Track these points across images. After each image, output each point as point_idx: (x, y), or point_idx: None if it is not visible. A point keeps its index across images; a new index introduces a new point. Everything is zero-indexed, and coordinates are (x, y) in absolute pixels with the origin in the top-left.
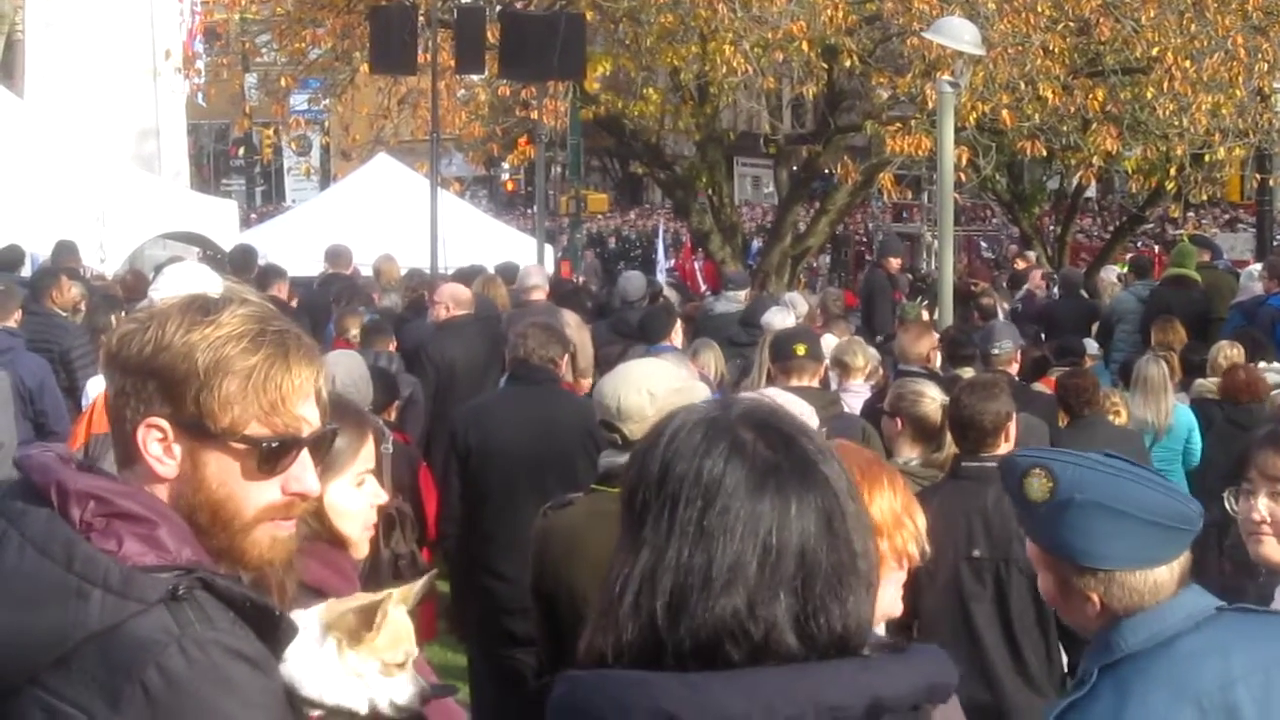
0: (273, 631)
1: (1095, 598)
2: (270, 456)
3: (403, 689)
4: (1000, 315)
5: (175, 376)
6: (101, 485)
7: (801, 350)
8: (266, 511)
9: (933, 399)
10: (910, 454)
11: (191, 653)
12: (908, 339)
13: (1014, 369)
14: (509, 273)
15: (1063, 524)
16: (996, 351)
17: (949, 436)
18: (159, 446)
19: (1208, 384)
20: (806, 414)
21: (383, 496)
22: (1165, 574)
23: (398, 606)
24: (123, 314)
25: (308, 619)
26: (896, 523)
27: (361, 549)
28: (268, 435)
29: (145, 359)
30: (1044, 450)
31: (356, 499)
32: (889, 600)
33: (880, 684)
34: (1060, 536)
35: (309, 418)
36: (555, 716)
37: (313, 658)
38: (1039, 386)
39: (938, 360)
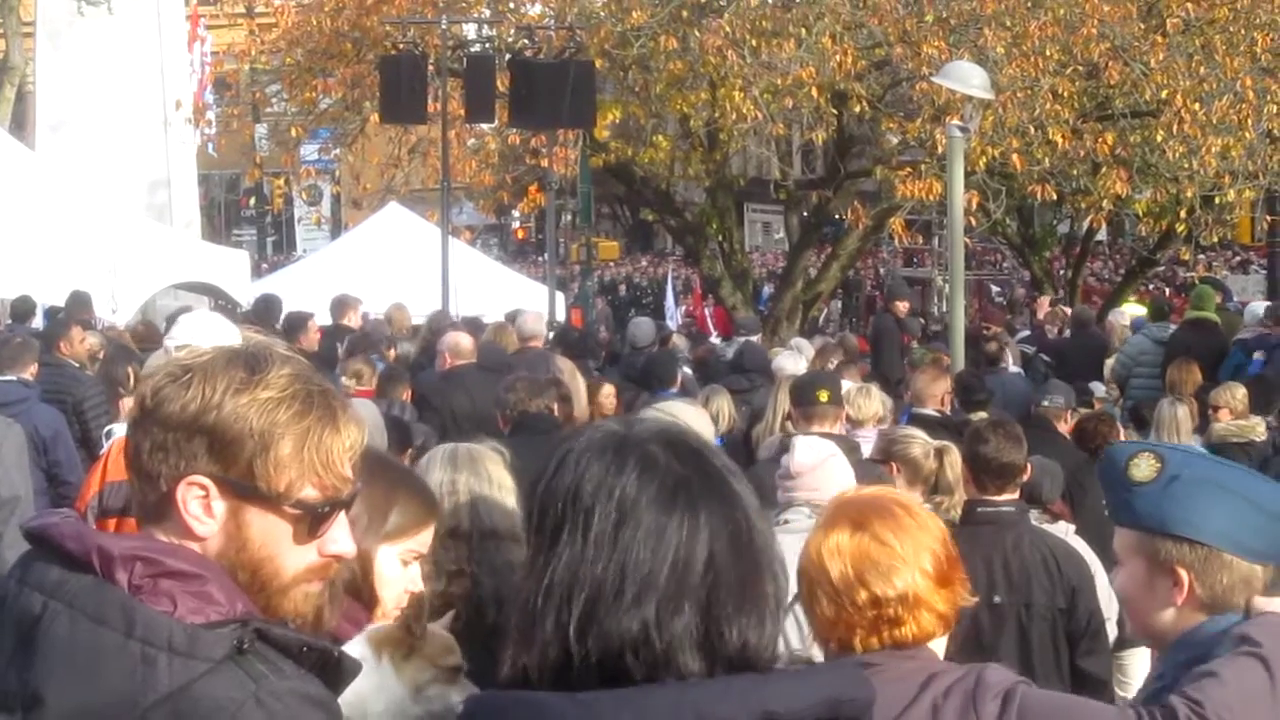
0: (335, 672)
1: (1186, 580)
2: (319, 520)
3: (465, 690)
4: (1009, 360)
5: (226, 438)
6: (144, 546)
7: (825, 397)
8: (306, 574)
9: (922, 443)
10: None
11: (270, 705)
12: (923, 381)
13: (1063, 426)
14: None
15: (1168, 498)
16: (1047, 403)
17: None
18: (199, 505)
19: (1229, 427)
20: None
21: (419, 586)
22: (1258, 574)
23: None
24: (137, 365)
25: (355, 647)
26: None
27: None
28: (317, 499)
29: (191, 417)
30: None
31: (398, 575)
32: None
33: (773, 698)
34: (1164, 511)
35: (352, 478)
36: None
37: (373, 678)
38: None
39: (951, 404)
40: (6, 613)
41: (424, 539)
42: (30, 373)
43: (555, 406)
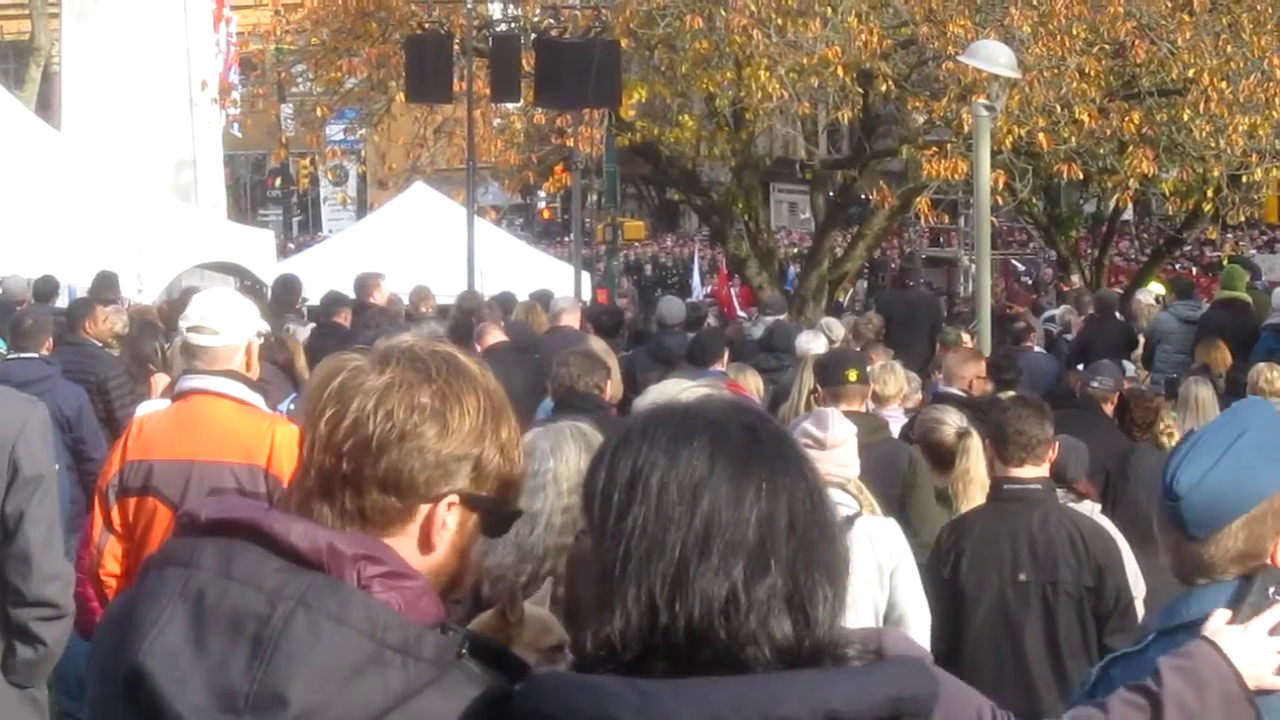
0: (518, 674)
1: None
2: (508, 520)
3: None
4: (1034, 340)
5: (488, 466)
6: (369, 545)
7: (854, 376)
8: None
9: (949, 426)
10: (939, 482)
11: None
12: (954, 361)
13: (1109, 408)
14: (544, 300)
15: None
16: (1095, 385)
17: (962, 463)
18: (453, 519)
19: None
20: (833, 426)
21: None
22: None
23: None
24: (164, 342)
25: None
26: None
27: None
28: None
29: (470, 442)
30: None
31: None
32: None
33: (836, 697)
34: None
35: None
36: (510, 716)
37: None
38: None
39: (986, 387)
40: (213, 609)
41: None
42: (47, 349)
43: (604, 386)
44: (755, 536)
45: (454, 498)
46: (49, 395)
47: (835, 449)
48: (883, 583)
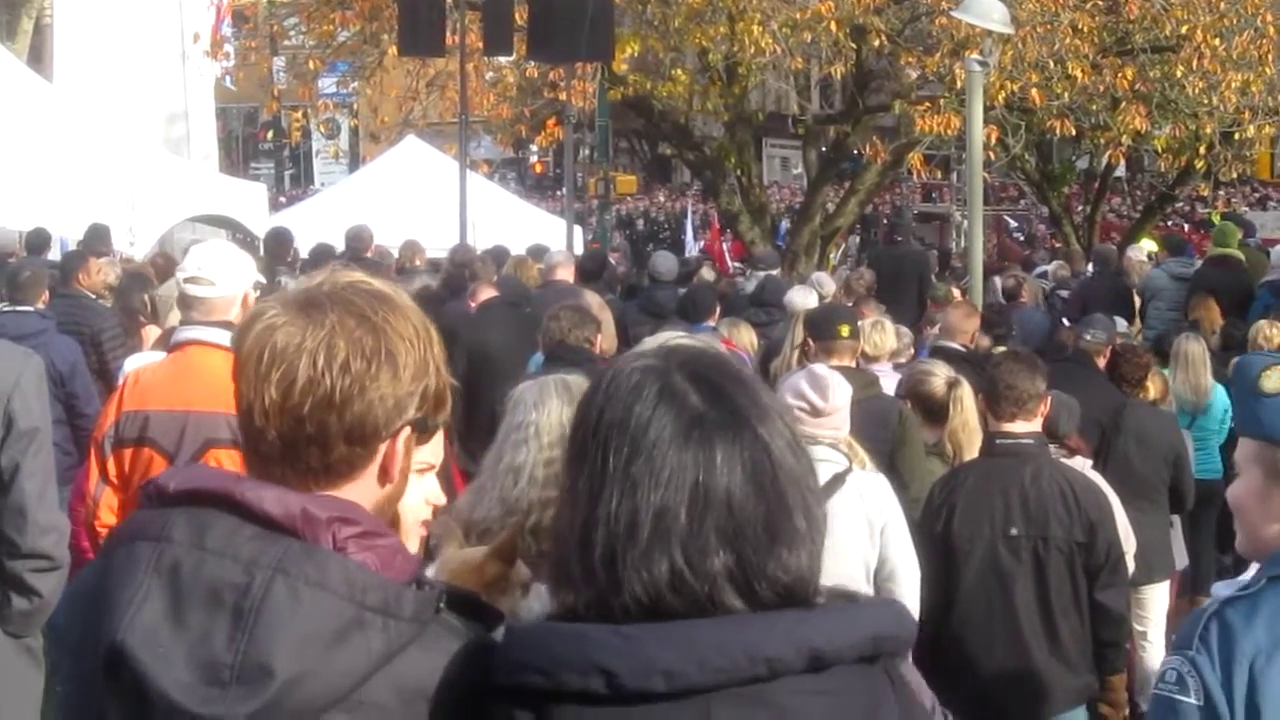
0: (495, 622)
1: None
2: (430, 432)
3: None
4: (1026, 296)
5: (436, 389)
6: (342, 507)
7: (846, 332)
8: (415, 516)
9: (938, 377)
10: (928, 436)
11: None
12: (956, 317)
13: (1102, 362)
14: (538, 254)
15: None
16: (1089, 338)
17: (957, 415)
18: (403, 446)
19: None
20: (831, 390)
21: (441, 498)
22: None
23: None
24: (154, 294)
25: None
26: None
27: (412, 545)
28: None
29: (420, 373)
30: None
31: (415, 488)
32: None
33: (819, 635)
34: None
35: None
36: (494, 670)
37: None
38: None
39: (985, 342)
40: (190, 582)
41: (436, 447)
42: (43, 302)
43: (595, 340)
44: (692, 514)
45: (407, 429)
46: (43, 349)
47: (835, 414)
48: (873, 539)
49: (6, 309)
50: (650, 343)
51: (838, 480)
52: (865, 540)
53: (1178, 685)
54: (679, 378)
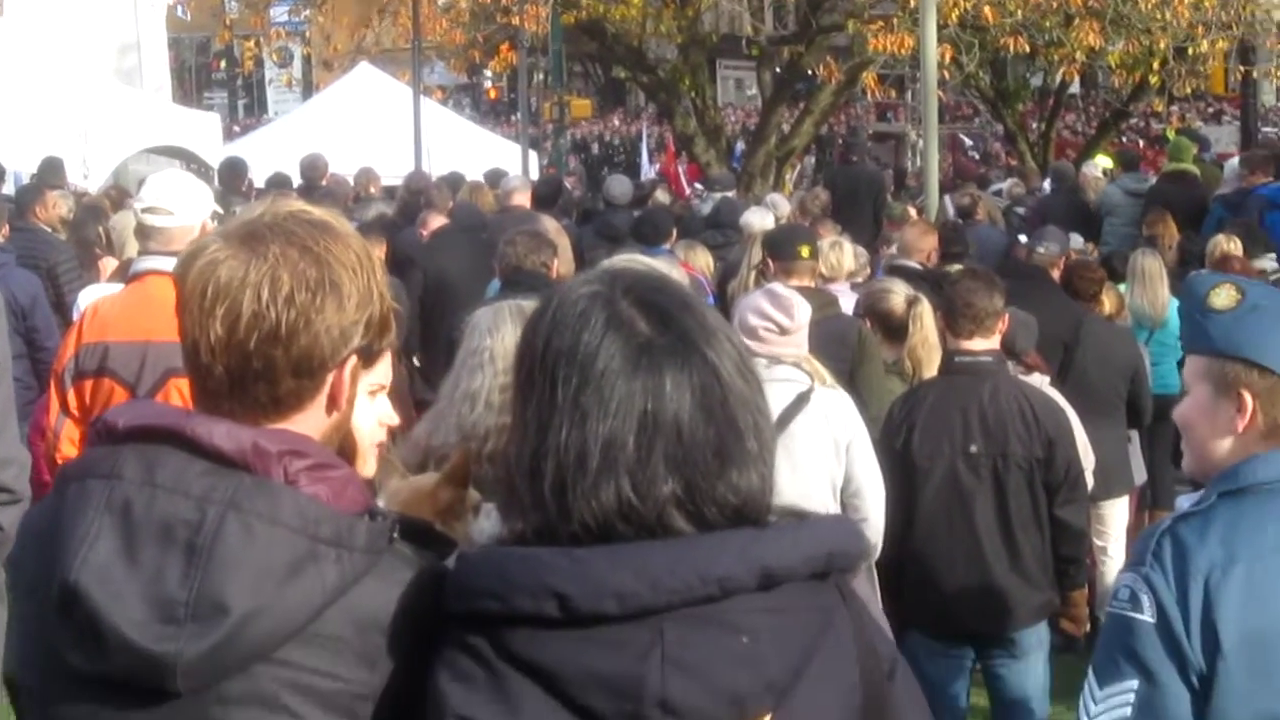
0: (447, 550)
1: (1250, 406)
2: (375, 356)
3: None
4: (981, 214)
5: (380, 316)
6: (293, 440)
7: (806, 252)
8: (370, 439)
9: (896, 294)
10: (887, 354)
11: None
12: (912, 235)
13: (1056, 274)
14: (495, 180)
15: (1245, 325)
16: (1042, 250)
17: (917, 333)
18: (350, 374)
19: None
20: (795, 310)
21: (394, 418)
22: None
23: None
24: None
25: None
26: None
27: (369, 467)
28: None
29: (364, 301)
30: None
31: (368, 411)
32: None
33: (770, 553)
34: (1239, 336)
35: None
36: (446, 595)
37: None
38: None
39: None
40: (142, 519)
41: (385, 369)
42: (3, 235)
43: (551, 265)
44: (640, 442)
45: (354, 358)
46: (3, 283)
47: (799, 333)
48: (839, 456)
49: None
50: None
51: (802, 400)
52: (831, 458)
53: (1131, 602)
54: (625, 304)
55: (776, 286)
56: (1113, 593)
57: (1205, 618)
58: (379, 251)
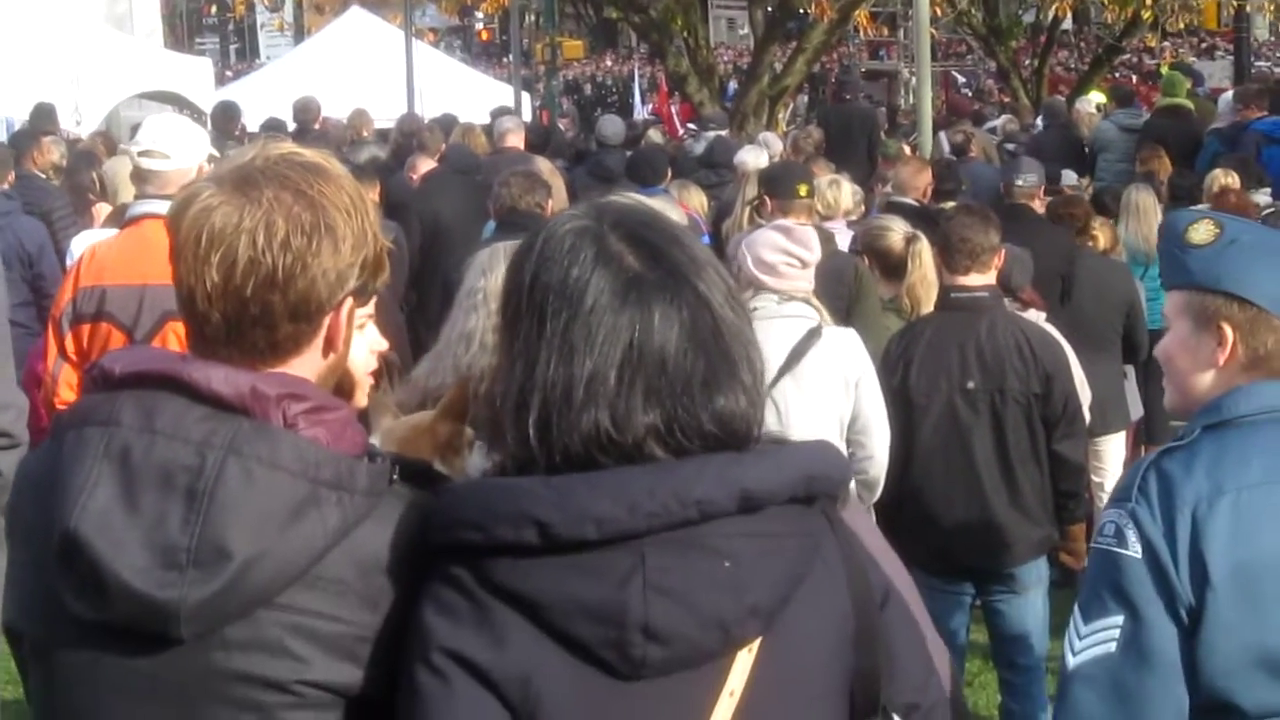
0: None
1: (1230, 338)
2: (368, 295)
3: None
4: (976, 151)
5: (374, 257)
6: (290, 383)
7: (804, 191)
8: (364, 369)
9: (895, 232)
10: (884, 292)
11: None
12: (908, 172)
13: (1037, 204)
14: (499, 116)
15: (1224, 259)
16: (1020, 183)
17: (916, 270)
18: (346, 314)
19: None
20: (814, 245)
21: (383, 344)
22: None
23: None
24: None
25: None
26: None
27: (364, 397)
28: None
29: (360, 244)
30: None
31: (359, 344)
32: None
33: (749, 475)
34: (1218, 269)
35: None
36: (429, 528)
37: None
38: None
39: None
40: (141, 466)
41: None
42: (9, 183)
43: (546, 205)
44: (622, 375)
45: (349, 299)
46: (10, 230)
47: (812, 266)
48: (847, 393)
49: None
50: None
51: (813, 335)
52: (840, 394)
53: (1116, 538)
54: (614, 238)
55: (787, 222)
56: (1098, 529)
57: (1193, 550)
58: (372, 194)
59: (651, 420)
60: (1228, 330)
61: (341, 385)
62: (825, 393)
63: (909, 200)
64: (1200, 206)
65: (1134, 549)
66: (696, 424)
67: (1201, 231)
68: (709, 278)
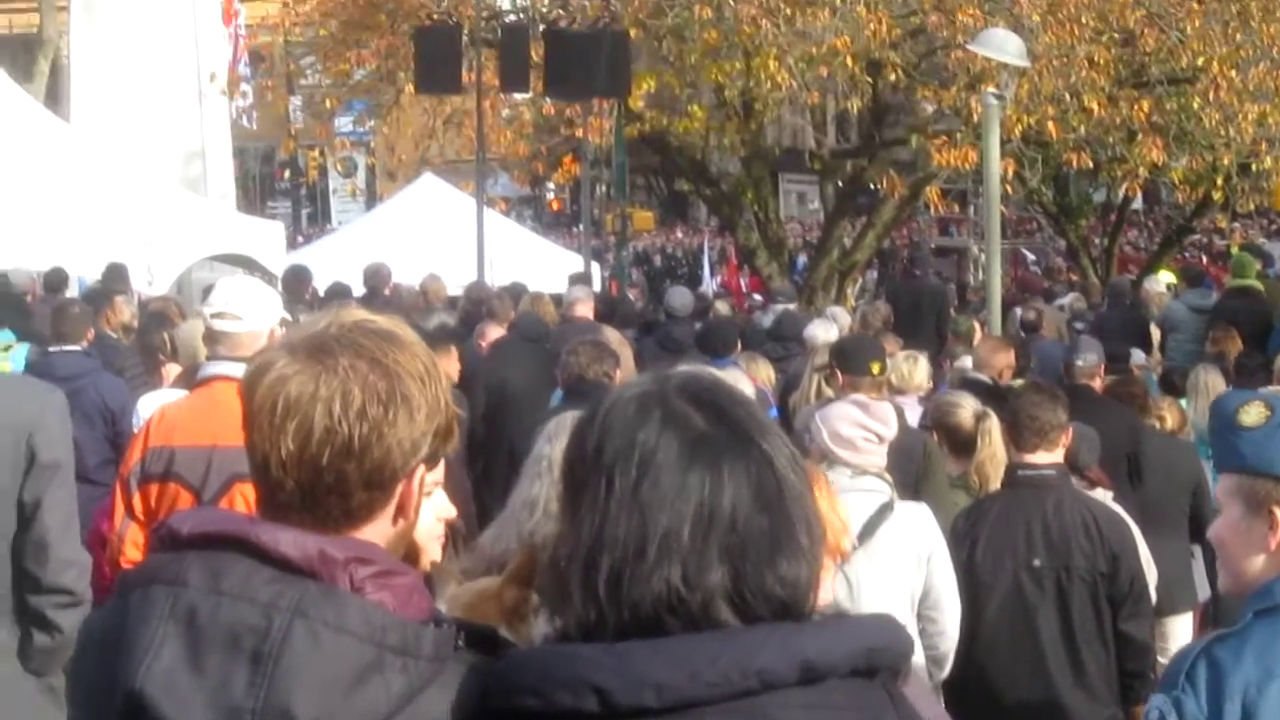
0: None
1: None
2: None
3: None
4: (1047, 328)
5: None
6: (358, 547)
7: (877, 370)
8: (428, 536)
9: (965, 409)
10: (953, 468)
11: None
12: (986, 349)
13: (1097, 383)
14: (578, 281)
15: (1275, 442)
16: (1081, 363)
17: (986, 448)
18: (417, 483)
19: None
20: (892, 421)
21: (451, 510)
22: None
23: None
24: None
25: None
26: (825, 520)
27: (434, 554)
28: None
29: (435, 412)
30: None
31: (426, 511)
32: (827, 596)
33: (811, 646)
34: (1269, 453)
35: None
36: (488, 693)
37: None
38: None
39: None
40: (208, 627)
41: (439, 469)
42: (89, 340)
43: (613, 374)
44: (696, 532)
45: (422, 467)
46: (93, 388)
47: (887, 443)
48: (919, 568)
49: (54, 348)
50: None
51: (885, 509)
52: (912, 569)
53: None
54: (679, 401)
55: (861, 397)
56: (1144, 713)
57: None
58: (449, 360)
59: (721, 579)
60: (1279, 515)
61: (407, 552)
62: (898, 568)
63: (983, 378)
64: (1271, 388)
65: None
66: (762, 585)
67: (1253, 414)
68: (772, 438)
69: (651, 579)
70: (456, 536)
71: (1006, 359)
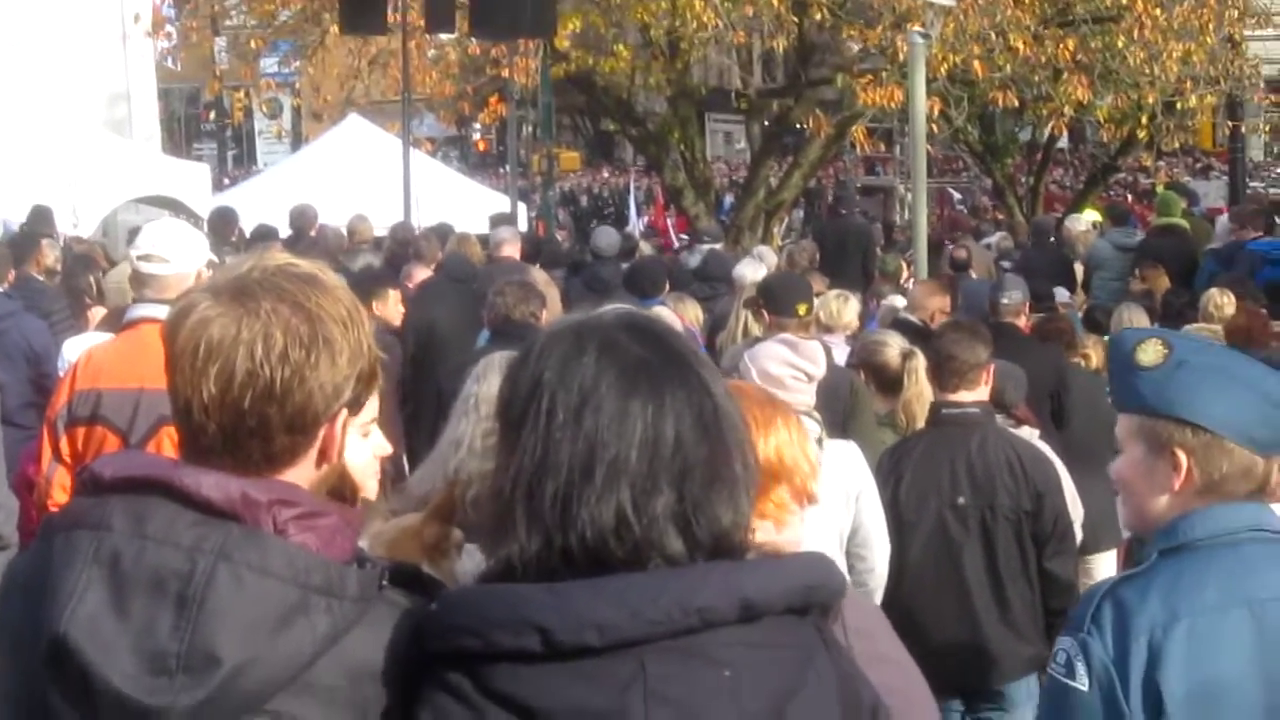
0: (437, 593)
1: (1185, 464)
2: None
3: (474, 555)
4: (977, 267)
5: (369, 368)
6: (281, 489)
7: (804, 309)
8: (363, 472)
9: (892, 347)
10: (880, 407)
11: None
12: (922, 292)
13: (1022, 320)
14: (498, 223)
15: (1174, 382)
16: (1006, 301)
17: (912, 386)
18: (339, 426)
19: (1205, 329)
20: (820, 360)
21: (388, 449)
22: (1259, 467)
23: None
24: (99, 275)
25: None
26: (794, 462)
27: (371, 489)
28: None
29: (357, 355)
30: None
31: (363, 449)
32: (794, 538)
33: (750, 584)
34: (1169, 393)
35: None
36: (425, 635)
37: None
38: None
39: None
40: (132, 571)
41: (373, 405)
42: (9, 282)
43: (540, 315)
44: (642, 456)
45: (344, 411)
46: (16, 330)
47: (816, 381)
48: (848, 506)
49: None
50: None
51: (815, 446)
52: (841, 507)
53: (1066, 668)
54: (616, 331)
55: (790, 336)
56: (1052, 655)
57: (1147, 677)
58: (392, 300)
59: (668, 503)
60: (1182, 457)
61: (343, 490)
62: (827, 506)
63: (915, 319)
64: (1203, 325)
65: (1081, 681)
66: (706, 512)
67: (1150, 353)
68: (709, 369)
69: (600, 503)
70: (385, 478)
71: (940, 302)
